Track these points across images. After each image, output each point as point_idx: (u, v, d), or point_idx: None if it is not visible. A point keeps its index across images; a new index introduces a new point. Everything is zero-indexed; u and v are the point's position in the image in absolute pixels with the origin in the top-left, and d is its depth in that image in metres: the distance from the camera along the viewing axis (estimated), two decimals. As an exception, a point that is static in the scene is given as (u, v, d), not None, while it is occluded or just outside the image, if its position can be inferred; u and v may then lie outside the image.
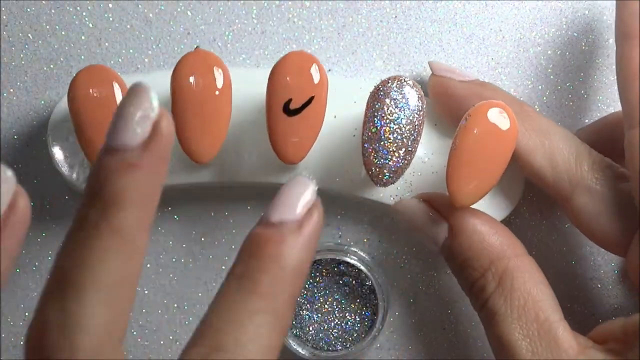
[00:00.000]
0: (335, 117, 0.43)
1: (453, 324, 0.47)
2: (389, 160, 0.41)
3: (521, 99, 0.46)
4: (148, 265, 0.47)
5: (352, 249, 0.46)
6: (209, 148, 0.40)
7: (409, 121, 0.40)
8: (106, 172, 0.30)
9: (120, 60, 0.46)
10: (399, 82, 0.41)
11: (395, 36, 0.46)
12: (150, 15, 0.46)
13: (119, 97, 0.40)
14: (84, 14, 0.45)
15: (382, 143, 0.40)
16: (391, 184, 0.41)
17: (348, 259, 0.45)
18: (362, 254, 0.46)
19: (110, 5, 0.45)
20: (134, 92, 0.31)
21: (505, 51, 0.46)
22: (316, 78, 0.40)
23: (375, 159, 0.41)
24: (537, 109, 0.46)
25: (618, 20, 0.41)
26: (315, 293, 0.46)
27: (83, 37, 0.46)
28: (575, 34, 0.46)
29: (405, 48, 0.46)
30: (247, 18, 0.46)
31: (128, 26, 0.46)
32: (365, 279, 0.46)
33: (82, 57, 0.46)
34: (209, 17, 0.46)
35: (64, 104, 0.43)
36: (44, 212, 0.46)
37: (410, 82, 0.41)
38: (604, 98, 0.46)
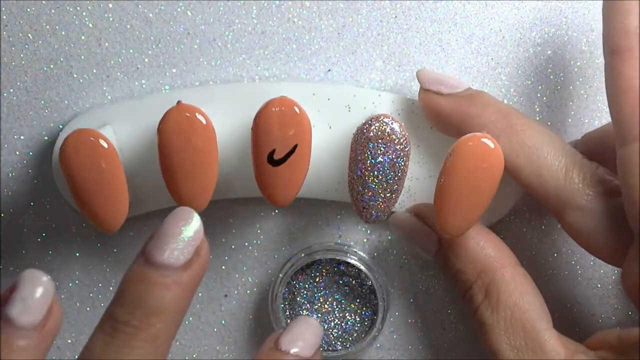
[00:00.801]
0: (330, 127, 0.44)
1: (453, 324, 0.47)
2: (375, 202, 0.41)
3: (521, 99, 0.46)
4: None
5: (352, 249, 0.46)
6: (201, 196, 0.41)
7: (392, 164, 0.41)
8: (149, 285, 0.34)
9: (120, 60, 0.46)
10: (380, 124, 0.41)
11: (395, 36, 0.46)
12: (150, 15, 0.46)
13: (107, 159, 0.40)
14: (84, 14, 0.45)
15: (367, 187, 0.41)
16: (380, 220, 0.42)
17: (348, 259, 0.45)
18: (362, 254, 0.46)
19: (110, 5, 0.45)
20: (180, 215, 0.35)
21: (505, 51, 0.46)
22: (298, 125, 0.40)
23: (362, 201, 0.41)
24: (537, 109, 0.46)
25: (604, 36, 0.40)
26: (315, 293, 0.46)
27: (83, 37, 0.45)
28: (575, 34, 0.46)
29: (405, 48, 0.46)
30: (247, 18, 0.46)
31: (128, 26, 0.46)
32: (365, 279, 0.46)
33: (82, 57, 0.46)
34: (209, 17, 0.46)
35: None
36: (44, 213, 0.46)
37: (392, 122, 0.41)
38: (604, 98, 0.46)
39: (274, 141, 0.40)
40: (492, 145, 0.39)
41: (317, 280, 0.46)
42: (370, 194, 0.41)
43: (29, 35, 0.45)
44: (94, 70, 0.46)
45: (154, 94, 0.45)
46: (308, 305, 0.46)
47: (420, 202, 0.45)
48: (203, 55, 0.46)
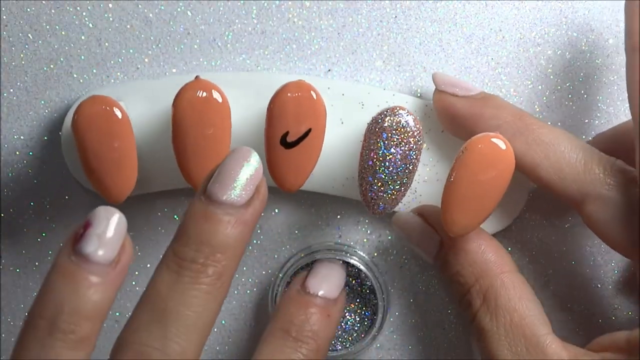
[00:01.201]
0: (342, 122, 0.44)
1: (453, 324, 0.47)
2: (384, 193, 0.41)
3: (521, 99, 0.46)
4: (148, 265, 0.47)
5: (352, 248, 0.46)
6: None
7: (404, 156, 0.41)
8: (214, 223, 0.35)
9: (120, 60, 0.46)
10: (396, 115, 0.41)
11: (395, 36, 0.46)
12: (150, 15, 0.45)
13: (119, 127, 0.40)
14: (84, 14, 0.45)
15: (377, 177, 0.41)
16: (386, 213, 0.42)
17: (348, 259, 0.45)
18: (362, 253, 0.46)
19: (110, 5, 0.45)
20: (241, 154, 0.36)
21: (505, 51, 0.46)
22: (314, 110, 0.40)
23: (370, 191, 0.41)
24: (537, 109, 0.46)
25: (626, 34, 0.40)
26: (315, 293, 0.46)
27: (83, 37, 0.45)
28: (575, 34, 0.46)
29: (405, 48, 0.46)
30: (247, 18, 0.46)
31: (128, 26, 0.46)
32: (365, 279, 0.46)
33: (82, 57, 0.46)
34: (209, 17, 0.46)
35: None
36: (44, 212, 0.46)
37: (407, 115, 0.41)
38: (604, 98, 0.46)
39: (288, 124, 0.40)
40: (503, 146, 0.39)
41: (317, 280, 0.46)
42: (379, 184, 0.41)
43: (29, 35, 0.45)
44: (94, 70, 0.46)
45: (170, 75, 0.45)
46: (308, 305, 0.46)
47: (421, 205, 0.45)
48: (203, 55, 0.46)
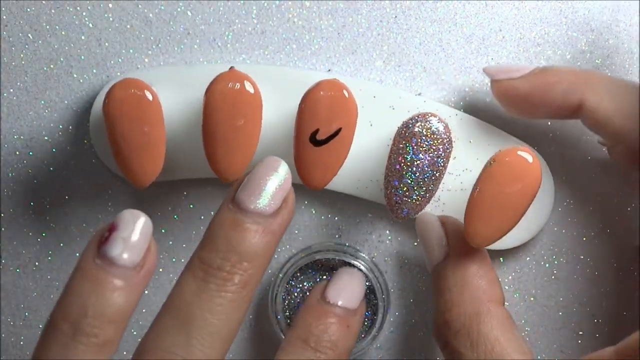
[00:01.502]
0: (371, 125, 0.44)
1: (453, 324, 0.47)
2: (408, 198, 0.41)
3: (521, 99, 0.46)
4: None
5: (352, 248, 0.46)
6: (238, 166, 0.40)
7: (432, 162, 0.41)
8: (242, 231, 0.35)
9: (120, 60, 0.46)
10: (427, 121, 0.40)
11: (395, 36, 0.46)
12: (150, 15, 0.45)
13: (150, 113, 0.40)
14: (84, 14, 0.45)
15: (403, 181, 0.41)
16: (409, 219, 0.42)
17: (348, 259, 0.45)
18: (362, 253, 0.46)
19: (110, 5, 0.45)
20: (270, 164, 0.36)
21: (505, 51, 0.46)
22: (346, 109, 0.40)
23: (395, 195, 0.41)
24: (537, 109, 0.46)
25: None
26: (315, 293, 0.46)
27: (83, 37, 0.45)
28: (575, 34, 0.46)
29: (405, 48, 0.46)
30: (247, 18, 0.46)
31: (128, 26, 0.46)
32: (365, 279, 0.46)
33: (82, 57, 0.46)
34: (209, 17, 0.46)
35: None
36: (44, 212, 0.46)
37: (438, 122, 0.41)
38: (604, 98, 0.46)
39: (319, 122, 0.40)
40: (530, 159, 0.39)
41: (317, 280, 0.46)
42: (405, 189, 0.41)
43: (29, 35, 0.45)
44: (94, 70, 0.46)
45: (201, 64, 0.45)
46: (308, 305, 0.46)
47: (450, 215, 0.44)
48: (203, 55, 0.46)
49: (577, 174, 0.46)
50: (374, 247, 0.47)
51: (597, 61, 0.46)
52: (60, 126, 0.46)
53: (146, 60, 0.46)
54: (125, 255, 0.33)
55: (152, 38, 0.46)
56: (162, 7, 0.45)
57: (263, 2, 0.46)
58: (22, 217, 0.46)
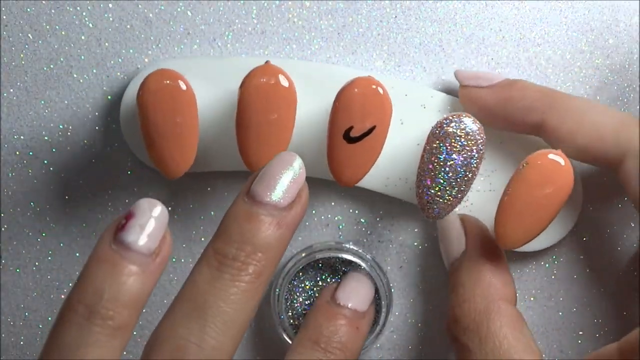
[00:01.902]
0: (402, 123, 0.44)
1: (453, 323, 0.47)
2: (440, 198, 0.41)
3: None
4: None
5: (353, 248, 0.46)
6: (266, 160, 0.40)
7: (465, 163, 0.41)
8: (257, 222, 0.36)
9: (120, 60, 0.46)
10: (461, 122, 0.40)
11: (395, 36, 0.46)
12: (150, 15, 0.45)
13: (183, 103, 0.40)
14: (84, 14, 0.45)
15: (435, 181, 0.41)
16: (440, 218, 0.42)
17: (349, 258, 0.45)
18: (363, 252, 0.46)
19: (110, 5, 0.45)
20: (285, 158, 0.37)
21: (505, 51, 0.46)
22: (380, 107, 0.40)
23: (427, 195, 0.41)
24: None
25: None
26: (317, 293, 0.46)
27: (83, 37, 0.45)
28: (575, 34, 0.46)
29: (405, 48, 0.46)
30: (247, 18, 0.46)
31: (128, 26, 0.46)
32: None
33: (82, 57, 0.46)
34: (209, 17, 0.46)
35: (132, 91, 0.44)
36: (44, 212, 0.46)
37: (473, 123, 0.40)
38: (604, 98, 0.46)
39: (353, 119, 0.40)
40: (562, 162, 0.39)
41: (318, 279, 0.46)
42: (437, 189, 0.41)
43: (29, 35, 0.45)
44: (94, 70, 0.46)
45: (236, 56, 0.45)
46: (309, 305, 0.46)
47: (478, 216, 0.44)
48: (203, 55, 0.46)
49: (576, 174, 0.46)
50: (374, 247, 0.47)
51: (597, 61, 0.46)
52: (60, 126, 0.46)
53: (146, 60, 0.46)
54: (141, 242, 0.34)
55: (152, 38, 0.46)
56: (162, 7, 0.45)
57: (263, 2, 0.46)
58: (22, 217, 0.46)
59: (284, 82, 0.40)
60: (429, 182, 0.41)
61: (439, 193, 0.41)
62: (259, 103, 0.39)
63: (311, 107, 0.43)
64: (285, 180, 0.37)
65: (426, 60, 0.46)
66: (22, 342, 0.47)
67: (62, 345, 0.33)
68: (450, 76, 0.46)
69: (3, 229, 0.46)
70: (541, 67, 0.46)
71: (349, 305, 0.43)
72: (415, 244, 0.47)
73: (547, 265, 0.47)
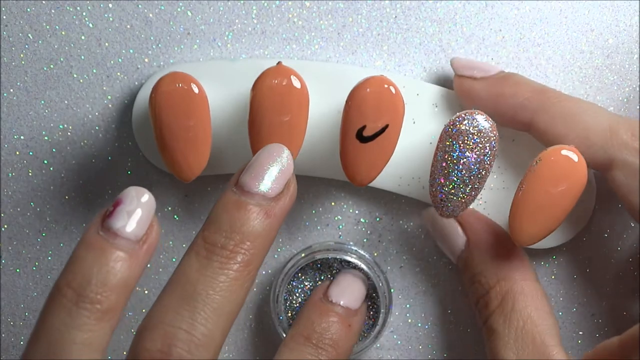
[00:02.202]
0: (414, 122, 0.44)
1: (453, 324, 0.47)
2: (454, 196, 0.41)
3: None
4: (148, 265, 0.47)
5: (353, 248, 0.46)
6: None
7: (478, 161, 0.40)
8: (246, 211, 0.36)
9: (120, 60, 0.46)
10: (473, 120, 0.40)
11: (395, 36, 0.46)
12: (150, 15, 0.45)
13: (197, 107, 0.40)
14: (84, 14, 0.45)
15: (449, 179, 0.41)
16: (454, 216, 0.42)
17: (349, 259, 0.45)
18: (362, 253, 0.46)
19: (110, 5, 0.45)
20: (273, 149, 0.37)
21: (506, 51, 0.46)
22: (394, 107, 0.40)
23: (441, 192, 0.41)
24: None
25: None
26: (316, 293, 0.46)
27: (83, 37, 0.45)
28: (575, 34, 0.46)
29: (405, 48, 0.46)
30: (247, 18, 0.46)
31: (128, 26, 0.46)
32: (366, 279, 0.46)
33: (82, 57, 0.46)
34: (209, 17, 0.46)
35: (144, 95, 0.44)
36: (44, 212, 0.46)
37: (485, 121, 0.40)
38: (604, 98, 0.46)
39: (366, 118, 0.40)
40: (575, 159, 0.39)
41: (317, 280, 0.46)
42: (451, 186, 0.41)
43: (29, 35, 0.45)
44: (94, 70, 0.46)
45: (246, 58, 0.45)
46: (308, 305, 0.46)
47: (492, 213, 0.45)
48: (203, 56, 0.46)
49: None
50: (374, 247, 0.47)
51: (597, 61, 0.46)
52: (60, 126, 0.46)
53: (146, 60, 0.46)
54: (128, 228, 0.35)
55: (152, 38, 0.46)
56: (162, 7, 0.45)
57: (263, 2, 0.46)
58: (22, 217, 0.46)
59: (296, 83, 0.40)
60: (442, 180, 0.41)
61: (452, 191, 0.41)
62: (271, 104, 0.40)
63: (323, 107, 0.43)
64: (274, 171, 0.37)
65: (426, 60, 0.46)
66: (22, 342, 0.47)
67: (51, 328, 0.34)
68: (450, 76, 0.46)
69: (3, 229, 0.46)
70: (541, 67, 0.46)
71: (341, 302, 0.43)
72: (416, 244, 0.47)
73: (547, 265, 0.47)
